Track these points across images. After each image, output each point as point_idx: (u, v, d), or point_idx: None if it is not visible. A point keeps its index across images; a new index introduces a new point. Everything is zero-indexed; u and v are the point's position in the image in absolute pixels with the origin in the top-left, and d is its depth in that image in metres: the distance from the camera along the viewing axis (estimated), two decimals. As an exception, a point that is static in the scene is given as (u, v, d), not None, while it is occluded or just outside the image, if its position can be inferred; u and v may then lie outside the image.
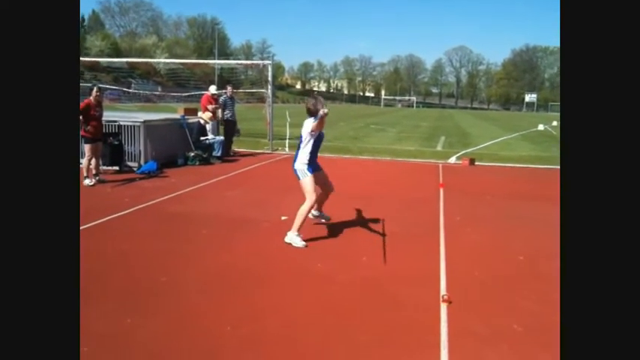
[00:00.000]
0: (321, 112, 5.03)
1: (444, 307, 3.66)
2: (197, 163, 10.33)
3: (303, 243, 5.10)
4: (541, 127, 27.97)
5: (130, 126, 9.51)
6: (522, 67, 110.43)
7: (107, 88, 31.86)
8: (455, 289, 4.01)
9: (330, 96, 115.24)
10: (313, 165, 5.52)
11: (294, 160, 5.50)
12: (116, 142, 9.17)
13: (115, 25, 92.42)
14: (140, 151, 9.49)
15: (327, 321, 3.44)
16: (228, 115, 12.19)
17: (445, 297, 3.80)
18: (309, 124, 5.27)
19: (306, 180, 5.40)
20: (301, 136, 5.42)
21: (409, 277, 4.32)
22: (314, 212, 5.99)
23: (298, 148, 5.48)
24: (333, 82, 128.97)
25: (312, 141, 5.38)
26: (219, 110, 12.02)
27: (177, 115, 11.58)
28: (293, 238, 5.14)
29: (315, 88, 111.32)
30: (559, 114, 65.28)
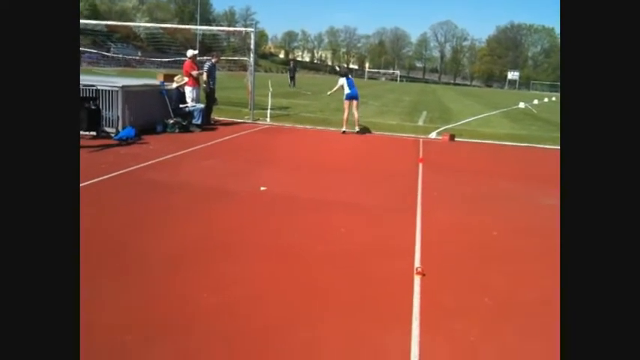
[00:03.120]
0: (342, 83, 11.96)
1: (417, 280, 3.73)
2: (176, 130, 10.18)
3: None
4: (522, 105, 28.14)
5: (108, 91, 9.30)
6: (506, 44, 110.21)
7: (85, 52, 31.02)
8: (429, 263, 4.08)
9: (314, 67, 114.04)
10: (350, 96, 11.80)
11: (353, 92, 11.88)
12: (93, 107, 8.96)
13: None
14: (118, 117, 9.32)
15: (300, 292, 3.48)
16: (212, 83, 11.99)
17: (419, 269, 3.87)
18: (341, 81, 11.88)
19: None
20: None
21: (385, 250, 4.38)
22: (355, 128, 11.82)
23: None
24: (317, 53, 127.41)
25: (346, 85, 11.77)
26: (205, 77, 11.78)
27: (156, 81, 11.36)
28: (361, 128, 11.95)
29: (298, 58, 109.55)
30: (540, 92, 65.68)
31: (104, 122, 9.24)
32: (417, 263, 4.07)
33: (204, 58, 12.80)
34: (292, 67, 35.13)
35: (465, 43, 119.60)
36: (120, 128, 9.19)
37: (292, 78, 32.21)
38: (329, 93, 13.44)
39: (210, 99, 12.03)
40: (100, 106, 9.15)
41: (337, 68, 13.29)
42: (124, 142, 8.62)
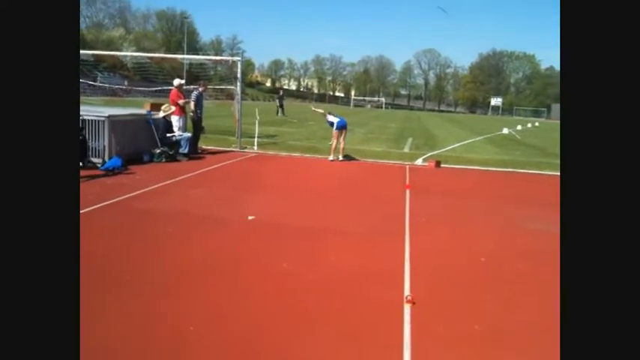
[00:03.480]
0: (327, 118, 12.32)
1: (407, 307, 3.72)
2: (163, 159, 10.16)
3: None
4: (505, 130, 28.58)
5: (94, 120, 9.28)
6: (488, 71, 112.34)
7: (71, 81, 30.95)
8: (418, 289, 4.08)
9: (300, 95, 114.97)
10: (340, 125, 11.92)
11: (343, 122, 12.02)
12: (80, 137, 8.92)
13: (82, 15, 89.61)
14: (104, 147, 9.28)
15: (289, 320, 3.45)
16: (199, 112, 12.03)
17: (408, 298, 3.86)
18: (329, 116, 12.19)
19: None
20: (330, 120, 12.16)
21: (374, 277, 4.37)
22: (340, 156, 11.83)
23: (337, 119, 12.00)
24: (304, 81, 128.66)
25: (333, 119, 12.04)
26: (193, 105, 11.83)
27: (143, 111, 11.37)
28: (344, 156, 11.97)
29: (285, 87, 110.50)
30: (524, 118, 66.62)
31: (90, 152, 9.20)
32: (407, 290, 4.07)
33: (192, 87, 12.86)
34: (281, 95, 35.70)
35: (448, 71, 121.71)
36: (106, 158, 9.15)
37: (281, 106, 32.67)
38: (315, 110, 15.19)
39: (197, 127, 12.06)
40: (87, 136, 9.12)
41: (326, 114, 12.70)
42: (111, 172, 8.56)
